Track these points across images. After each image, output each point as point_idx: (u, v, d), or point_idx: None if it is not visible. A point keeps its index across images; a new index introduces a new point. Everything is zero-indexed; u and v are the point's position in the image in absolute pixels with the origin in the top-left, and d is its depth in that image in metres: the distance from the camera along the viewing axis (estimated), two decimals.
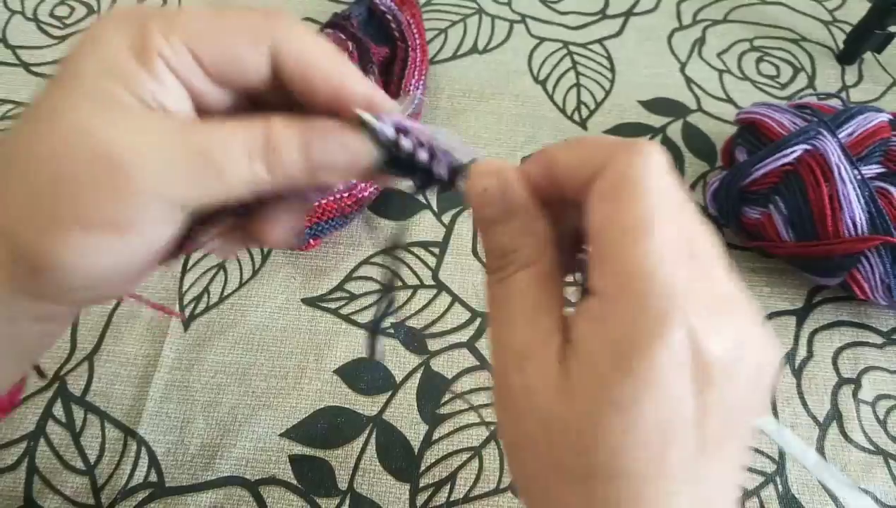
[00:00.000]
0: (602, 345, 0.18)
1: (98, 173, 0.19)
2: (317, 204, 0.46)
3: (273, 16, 0.21)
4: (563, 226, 0.23)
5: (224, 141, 0.20)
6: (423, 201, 0.52)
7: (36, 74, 0.58)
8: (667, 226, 0.18)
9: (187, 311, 0.47)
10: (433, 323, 0.47)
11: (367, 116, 0.22)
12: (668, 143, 0.56)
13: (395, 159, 0.22)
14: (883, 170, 0.46)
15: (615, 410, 0.18)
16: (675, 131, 0.57)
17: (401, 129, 0.22)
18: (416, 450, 0.43)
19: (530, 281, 0.21)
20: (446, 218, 0.51)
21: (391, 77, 0.54)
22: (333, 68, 0.22)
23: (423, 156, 0.23)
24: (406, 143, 0.22)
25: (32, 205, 0.20)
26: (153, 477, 0.41)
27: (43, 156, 0.19)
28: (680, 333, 0.17)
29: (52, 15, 0.62)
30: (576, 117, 0.58)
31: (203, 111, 0.22)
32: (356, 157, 0.22)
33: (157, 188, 0.20)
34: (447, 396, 0.45)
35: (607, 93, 0.59)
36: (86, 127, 0.19)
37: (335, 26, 0.54)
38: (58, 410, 0.43)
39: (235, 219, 0.25)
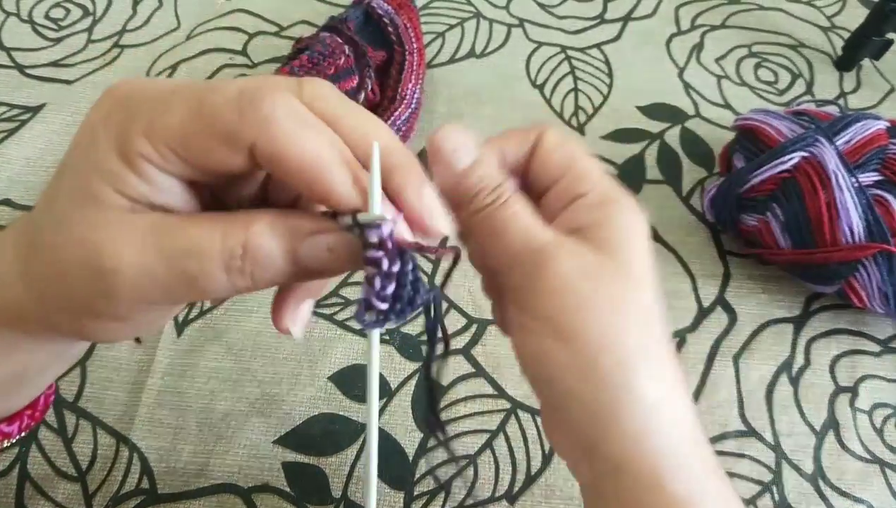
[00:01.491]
0: (615, 220, 0.24)
1: (90, 280, 0.21)
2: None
3: (251, 109, 0.20)
4: None
5: (200, 254, 0.21)
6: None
7: (30, 76, 0.58)
8: (523, 217, 0.25)
9: (181, 317, 0.47)
10: None
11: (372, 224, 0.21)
12: (666, 149, 0.56)
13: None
14: (880, 177, 0.46)
15: (645, 264, 0.24)
16: (673, 137, 0.57)
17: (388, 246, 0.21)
18: (410, 458, 0.43)
19: (526, 204, 0.25)
20: None
21: (388, 80, 0.54)
22: (313, 171, 0.20)
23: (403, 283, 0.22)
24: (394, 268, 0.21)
25: (52, 293, 0.22)
26: (145, 484, 0.41)
27: (50, 253, 0.22)
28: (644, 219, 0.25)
29: (47, 17, 0.62)
30: (573, 122, 0.58)
31: (197, 183, 0.23)
32: (343, 260, 0.22)
33: (136, 295, 0.21)
34: (442, 403, 0.44)
35: (605, 98, 0.59)
36: (80, 235, 0.21)
37: (331, 29, 0.54)
38: (49, 415, 0.43)
39: None
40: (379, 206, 0.21)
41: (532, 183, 0.27)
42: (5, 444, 0.29)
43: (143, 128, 0.20)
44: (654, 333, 0.24)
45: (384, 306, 0.22)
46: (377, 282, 0.21)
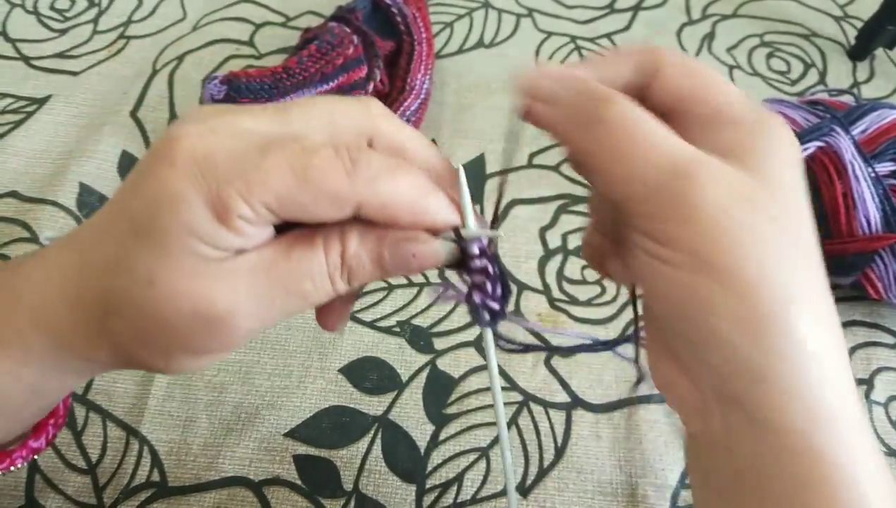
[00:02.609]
0: (760, 141, 0.22)
1: (202, 326, 0.22)
2: None
3: (357, 172, 0.21)
4: None
5: (310, 273, 0.22)
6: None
7: (36, 68, 0.57)
8: (650, 127, 0.23)
9: None
10: (439, 321, 0.47)
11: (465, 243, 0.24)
12: None
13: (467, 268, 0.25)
14: None
15: (796, 189, 0.22)
16: None
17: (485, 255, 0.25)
18: (422, 451, 0.42)
19: (646, 112, 0.22)
20: None
21: (397, 71, 0.54)
22: (416, 209, 0.23)
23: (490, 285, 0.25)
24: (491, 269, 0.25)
25: (143, 342, 0.23)
26: (156, 477, 0.41)
27: (144, 313, 0.22)
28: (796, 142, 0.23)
29: (52, 8, 0.61)
30: None
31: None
32: (428, 263, 0.24)
33: (252, 325, 0.22)
34: (454, 395, 0.44)
35: None
36: (182, 287, 0.21)
37: (339, 19, 0.53)
38: None
39: None
40: (473, 222, 0.24)
41: (665, 105, 0.23)
42: (34, 458, 0.29)
43: (240, 190, 0.21)
44: (816, 272, 0.21)
45: (497, 306, 0.25)
46: (489, 287, 0.25)
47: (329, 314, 0.27)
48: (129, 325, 0.22)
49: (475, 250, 0.24)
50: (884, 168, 0.45)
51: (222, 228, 0.21)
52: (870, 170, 0.43)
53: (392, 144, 0.24)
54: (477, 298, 0.25)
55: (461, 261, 0.24)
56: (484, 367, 0.45)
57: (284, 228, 0.23)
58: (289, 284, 0.22)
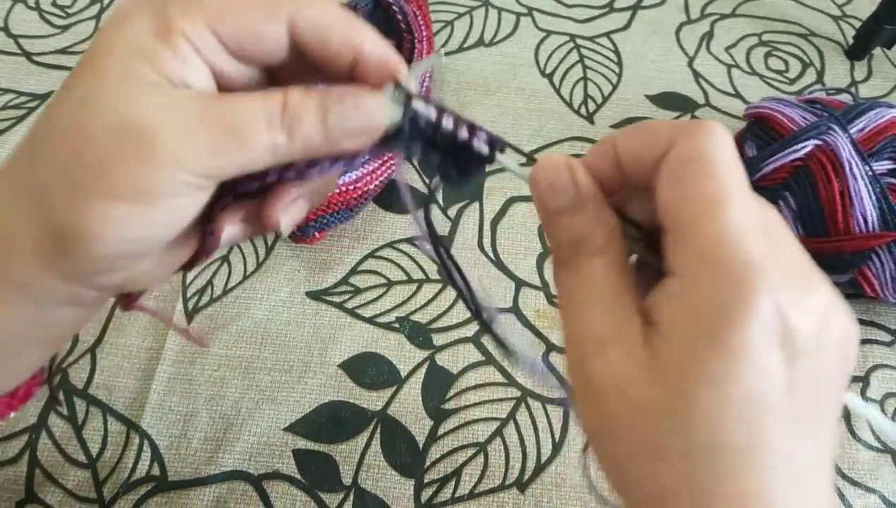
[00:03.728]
0: (690, 321, 0.18)
1: (124, 144, 0.20)
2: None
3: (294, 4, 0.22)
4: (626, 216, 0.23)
5: (245, 109, 0.21)
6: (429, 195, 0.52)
7: (38, 64, 0.58)
8: (742, 199, 0.19)
9: (190, 304, 0.47)
10: (438, 317, 0.47)
11: (405, 87, 0.22)
12: None
13: (420, 130, 0.23)
14: (894, 166, 0.45)
15: (710, 384, 0.18)
16: None
17: (438, 107, 0.23)
18: (420, 445, 0.43)
19: (605, 268, 0.21)
20: (452, 211, 0.51)
21: None
22: (349, 32, 0.22)
23: (462, 133, 0.23)
24: (447, 122, 0.23)
25: (62, 176, 0.20)
26: (156, 471, 0.41)
27: (72, 130, 0.20)
28: (767, 301, 0.17)
29: (54, 4, 0.61)
30: (583, 111, 0.57)
31: (224, 88, 0.22)
32: (373, 119, 0.22)
33: (180, 156, 0.20)
34: (452, 391, 0.44)
35: (614, 87, 0.59)
36: (113, 103, 0.20)
37: None
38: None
39: (248, 208, 0.25)
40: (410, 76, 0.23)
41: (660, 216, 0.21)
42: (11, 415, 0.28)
43: (183, 6, 0.21)
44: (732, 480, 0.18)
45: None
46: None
47: (272, 203, 0.25)
48: (53, 155, 0.21)
49: (429, 110, 0.23)
50: (881, 166, 0.45)
51: (165, 47, 0.20)
52: (867, 168, 0.43)
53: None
54: (482, 137, 0.23)
55: (419, 134, 0.23)
56: (483, 363, 0.45)
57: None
58: (222, 116, 0.21)
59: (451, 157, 0.24)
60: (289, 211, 0.25)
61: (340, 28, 0.22)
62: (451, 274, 0.25)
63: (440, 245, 0.25)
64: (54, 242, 0.21)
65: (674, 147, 0.20)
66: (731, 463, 0.18)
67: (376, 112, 0.22)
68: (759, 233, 0.18)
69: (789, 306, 0.18)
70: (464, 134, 0.23)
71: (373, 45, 0.23)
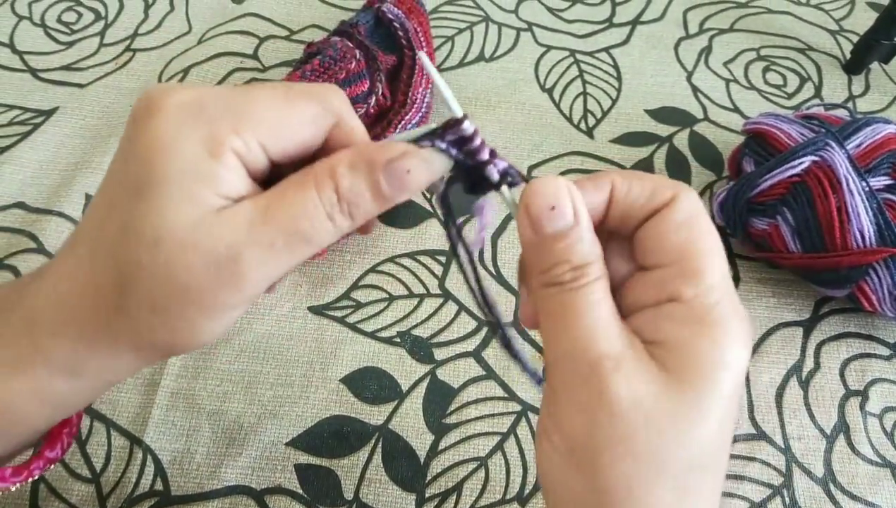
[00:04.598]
0: (704, 343, 0.21)
1: (212, 278, 0.22)
2: None
3: (326, 98, 0.24)
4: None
5: (306, 214, 0.22)
6: (430, 209, 0.52)
7: (43, 80, 0.58)
8: (596, 311, 0.22)
9: None
10: (439, 331, 0.47)
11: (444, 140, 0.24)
12: (674, 153, 0.56)
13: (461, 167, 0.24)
14: (891, 182, 0.46)
15: (721, 399, 0.21)
16: (681, 140, 0.57)
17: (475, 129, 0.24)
18: (422, 460, 0.43)
19: (605, 291, 0.23)
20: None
21: (398, 85, 0.54)
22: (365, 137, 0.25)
23: (483, 155, 0.24)
24: (476, 142, 0.24)
25: (162, 316, 0.22)
26: (159, 486, 0.41)
27: (155, 275, 0.22)
28: (745, 353, 0.22)
29: (59, 20, 0.62)
30: (582, 126, 0.58)
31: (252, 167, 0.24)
32: (423, 176, 0.24)
33: (265, 272, 0.22)
34: (453, 405, 0.45)
35: (614, 101, 0.59)
36: (188, 240, 0.21)
37: (342, 34, 0.54)
38: None
39: None
40: (456, 104, 0.24)
41: (640, 252, 0.24)
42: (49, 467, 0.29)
43: (233, 123, 0.22)
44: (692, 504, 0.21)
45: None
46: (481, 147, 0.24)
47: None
48: (144, 296, 0.22)
49: (470, 129, 0.24)
50: (878, 182, 0.45)
51: (216, 163, 0.21)
52: (864, 184, 0.44)
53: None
54: (500, 166, 0.24)
55: (456, 175, 0.24)
56: (484, 377, 0.46)
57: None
58: (287, 227, 0.22)
59: (464, 172, 0.25)
60: (368, 225, 0.27)
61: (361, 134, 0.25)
62: (463, 260, 0.27)
63: (455, 228, 0.26)
64: (156, 355, 0.24)
65: (680, 200, 0.23)
66: (716, 480, 0.22)
67: (425, 167, 0.23)
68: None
69: (745, 358, 0.22)
70: (484, 156, 0.24)
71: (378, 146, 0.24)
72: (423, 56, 0.26)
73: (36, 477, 0.28)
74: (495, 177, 0.24)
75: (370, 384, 0.45)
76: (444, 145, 0.24)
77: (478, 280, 0.26)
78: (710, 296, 0.22)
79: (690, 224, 0.23)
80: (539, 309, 0.24)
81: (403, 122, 0.52)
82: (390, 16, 0.56)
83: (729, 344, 0.21)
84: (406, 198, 0.24)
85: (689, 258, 0.22)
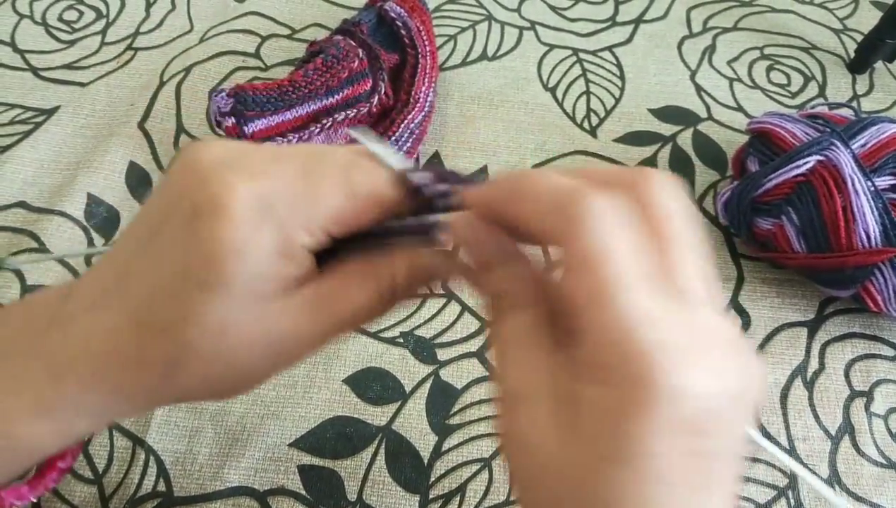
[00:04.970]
0: (598, 404, 0.18)
1: (272, 363, 0.24)
2: None
3: (369, 180, 0.24)
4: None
5: (368, 310, 0.24)
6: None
7: (44, 79, 0.58)
8: (634, 286, 0.18)
9: None
10: (442, 332, 0.47)
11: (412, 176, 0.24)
12: (678, 152, 0.56)
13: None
14: None
15: (615, 465, 0.18)
16: (685, 140, 0.57)
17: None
18: (425, 461, 0.43)
19: (524, 323, 0.21)
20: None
21: (401, 84, 0.54)
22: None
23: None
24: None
25: (214, 386, 0.24)
26: (161, 487, 0.41)
27: (213, 364, 0.23)
28: (664, 400, 0.17)
29: (60, 19, 0.62)
30: (585, 125, 0.58)
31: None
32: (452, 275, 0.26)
33: (311, 350, 0.24)
34: (457, 406, 0.44)
35: (617, 100, 0.59)
36: (257, 331, 0.22)
37: (345, 33, 0.54)
38: None
39: None
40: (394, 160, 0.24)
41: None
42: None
43: (301, 223, 0.22)
44: None
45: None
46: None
47: None
48: (200, 376, 0.23)
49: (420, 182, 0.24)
50: (883, 182, 0.45)
51: (289, 263, 0.22)
52: (869, 184, 0.44)
53: None
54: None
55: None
56: (488, 378, 0.45)
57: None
58: (344, 313, 0.24)
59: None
60: None
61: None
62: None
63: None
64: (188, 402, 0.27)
65: (566, 239, 0.19)
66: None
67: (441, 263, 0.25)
68: (655, 312, 0.18)
69: (687, 393, 0.18)
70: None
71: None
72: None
73: (50, 488, 0.28)
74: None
75: (373, 384, 0.45)
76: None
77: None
78: (605, 352, 0.18)
79: (573, 266, 0.19)
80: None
81: (406, 121, 0.51)
82: (393, 14, 0.56)
83: (626, 415, 0.18)
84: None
85: (574, 308, 0.19)
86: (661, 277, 0.19)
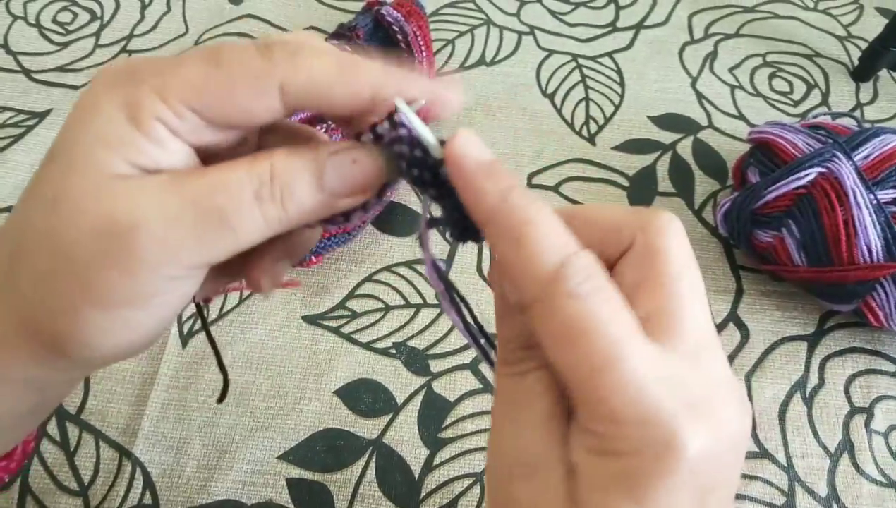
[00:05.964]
0: (608, 478, 0.17)
1: (100, 249, 0.19)
2: None
3: (271, 52, 0.19)
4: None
5: (227, 186, 0.19)
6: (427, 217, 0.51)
7: (37, 81, 0.57)
8: (635, 353, 0.17)
9: (185, 328, 0.46)
10: (436, 343, 0.46)
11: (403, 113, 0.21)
12: (677, 160, 0.55)
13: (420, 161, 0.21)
14: None
15: None
16: (685, 148, 0.56)
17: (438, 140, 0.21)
18: (416, 475, 0.42)
19: (548, 383, 0.19)
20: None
21: None
22: (352, 85, 0.20)
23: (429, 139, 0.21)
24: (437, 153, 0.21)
25: (42, 286, 0.19)
26: (147, 500, 0.41)
27: (45, 234, 0.19)
28: (681, 462, 0.17)
29: (54, 21, 0.61)
30: (584, 132, 0.57)
31: (214, 156, 0.21)
32: (370, 169, 0.21)
33: (162, 255, 0.19)
34: (449, 419, 0.44)
35: (617, 107, 0.58)
36: (84, 204, 0.18)
37: (340, 37, 0.53)
38: (52, 428, 0.42)
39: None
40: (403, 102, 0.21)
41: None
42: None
43: (155, 87, 0.19)
44: None
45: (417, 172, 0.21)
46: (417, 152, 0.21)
47: (253, 266, 0.24)
48: (29, 265, 0.19)
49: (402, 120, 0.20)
50: (886, 195, 0.44)
51: (138, 135, 0.19)
52: (872, 197, 0.43)
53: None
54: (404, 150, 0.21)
55: (411, 173, 0.21)
56: (481, 391, 0.45)
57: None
58: (200, 198, 0.19)
59: (451, 217, 0.22)
60: (271, 273, 0.24)
61: (340, 83, 0.20)
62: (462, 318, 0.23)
63: (450, 287, 0.23)
64: (47, 350, 0.20)
65: (549, 312, 0.18)
66: None
67: (372, 160, 0.21)
68: (662, 374, 0.17)
69: (699, 454, 0.17)
70: (429, 140, 0.21)
71: (383, 89, 0.20)
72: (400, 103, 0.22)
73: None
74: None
75: (364, 396, 0.44)
76: (387, 137, 0.21)
77: (462, 315, 0.23)
78: (613, 422, 0.17)
79: (564, 341, 0.18)
80: (546, 332, 0.19)
81: None
82: (389, 19, 0.55)
83: (642, 482, 0.17)
84: (347, 202, 0.21)
85: (574, 383, 0.18)
86: (661, 333, 0.18)
